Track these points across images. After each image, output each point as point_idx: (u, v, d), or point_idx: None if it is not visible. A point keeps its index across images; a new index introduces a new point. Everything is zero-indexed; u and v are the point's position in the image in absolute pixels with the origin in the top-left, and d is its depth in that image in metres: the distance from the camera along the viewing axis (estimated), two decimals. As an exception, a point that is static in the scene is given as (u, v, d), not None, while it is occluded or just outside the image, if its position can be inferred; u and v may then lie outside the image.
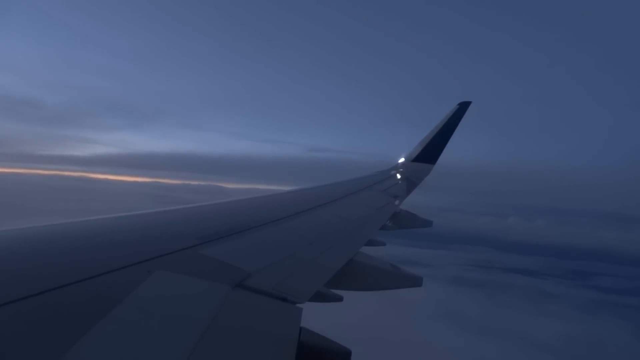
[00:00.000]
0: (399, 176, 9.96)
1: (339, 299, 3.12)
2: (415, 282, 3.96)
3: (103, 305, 1.87)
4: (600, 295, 65.59)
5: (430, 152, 10.82)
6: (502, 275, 72.65)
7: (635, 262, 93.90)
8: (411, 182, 9.63)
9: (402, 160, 11.20)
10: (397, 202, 7.36)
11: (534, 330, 45.93)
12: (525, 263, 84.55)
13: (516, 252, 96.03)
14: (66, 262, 2.29)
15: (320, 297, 2.86)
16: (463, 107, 11.04)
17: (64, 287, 1.94)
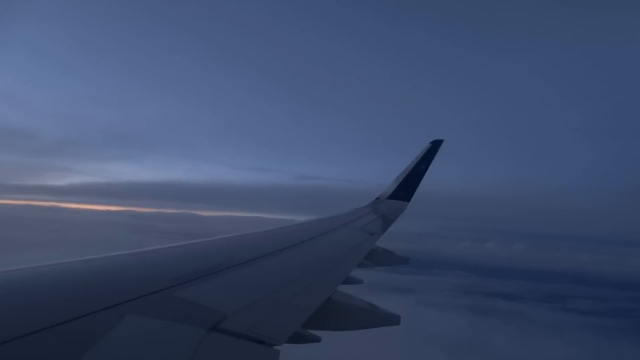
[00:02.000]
0: (374, 213, 10.07)
1: (317, 339, 3.07)
2: (393, 320, 3.93)
3: (72, 352, 1.80)
4: (580, 318, 66.44)
5: (404, 189, 11.17)
6: (484, 300, 73.13)
7: (610, 285, 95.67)
8: (387, 219, 9.77)
9: (378, 197, 11.43)
10: (373, 240, 7.36)
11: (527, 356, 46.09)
12: (505, 287, 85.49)
13: (496, 276, 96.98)
14: (33, 307, 2.20)
15: (297, 338, 2.81)
16: (436, 145, 11.45)
17: (30, 334, 1.86)
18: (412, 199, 11.07)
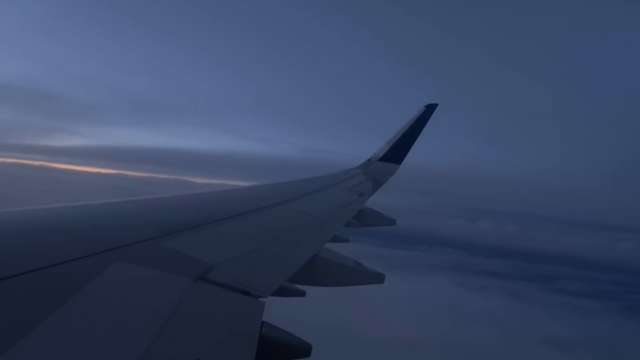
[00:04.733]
0: (365, 175, 10.05)
1: (302, 293, 3.12)
2: (377, 278, 4.00)
3: (59, 295, 1.81)
4: (567, 298, 67.82)
5: (396, 152, 11.03)
6: (473, 277, 74.37)
7: (597, 267, 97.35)
8: (377, 181, 9.74)
9: (369, 159, 11.33)
10: (362, 200, 7.40)
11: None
12: (495, 266, 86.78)
13: (486, 255, 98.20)
14: (21, 249, 2.21)
15: (283, 291, 2.85)
16: (430, 109, 11.24)
17: (18, 275, 1.87)
18: (404, 164, 10.95)
